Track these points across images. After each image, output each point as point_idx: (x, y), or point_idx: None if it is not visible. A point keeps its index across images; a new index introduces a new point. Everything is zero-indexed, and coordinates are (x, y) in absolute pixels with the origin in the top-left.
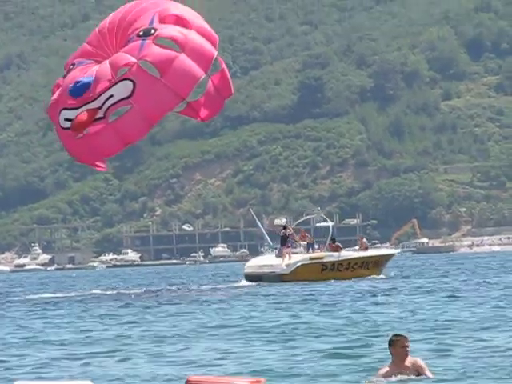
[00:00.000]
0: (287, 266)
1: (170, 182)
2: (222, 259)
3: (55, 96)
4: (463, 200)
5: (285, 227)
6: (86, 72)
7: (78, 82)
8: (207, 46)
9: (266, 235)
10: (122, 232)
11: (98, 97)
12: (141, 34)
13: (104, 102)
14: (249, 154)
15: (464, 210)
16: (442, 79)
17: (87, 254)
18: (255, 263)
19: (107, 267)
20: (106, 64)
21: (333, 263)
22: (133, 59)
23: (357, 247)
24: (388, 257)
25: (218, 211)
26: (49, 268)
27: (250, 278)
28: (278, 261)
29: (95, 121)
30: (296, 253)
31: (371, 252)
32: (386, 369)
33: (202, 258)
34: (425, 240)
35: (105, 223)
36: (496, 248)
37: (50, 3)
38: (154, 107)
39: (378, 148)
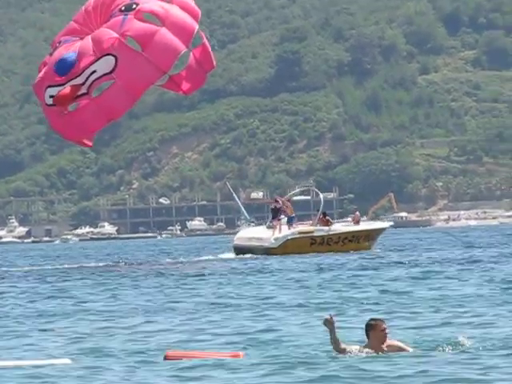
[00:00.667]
0: (275, 239)
1: (147, 156)
2: (198, 232)
3: (41, 74)
4: (440, 174)
5: (276, 200)
6: (69, 49)
7: (63, 59)
8: (188, 20)
9: (243, 209)
10: (99, 205)
11: (82, 72)
12: (123, 9)
13: (87, 78)
14: (226, 128)
15: (441, 184)
16: (419, 53)
17: (64, 226)
18: (244, 235)
19: (80, 240)
20: (89, 39)
21: (322, 237)
22: (115, 35)
23: (349, 219)
24: (379, 231)
25: (195, 185)
26: (25, 240)
27: (238, 250)
28: (267, 233)
29: (79, 96)
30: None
31: (362, 226)
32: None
33: (178, 232)
34: (403, 214)
35: (81, 196)
36: (472, 222)
37: None
38: (136, 81)
39: (355, 122)
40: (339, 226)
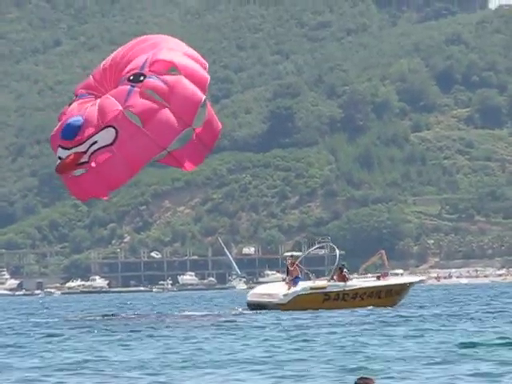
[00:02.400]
0: (285, 295)
1: (139, 209)
2: (189, 287)
3: (56, 128)
4: (431, 232)
5: (292, 256)
6: (80, 110)
7: (69, 123)
8: (193, 95)
9: (234, 264)
10: (91, 258)
11: (85, 141)
12: (131, 78)
13: (89, 148)
14: (218, 183)
15: (432, 241)
16: (411, 111)
17: (55, 279)
18: (258, 291)
19: (68, 293)
20: (96, 107)
21: (337, 293)
22: (118, 107)
23: (370, 275)
24: (403, 286)
25: (187, 239)
26: (17, 293)
27: (251, 306)
28: (279, 289)
29: (80, 164)
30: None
31: (383, 281)
32: None
33: (169, 286)
34: (399, 271)
35: (73, 249)
36: (464, 280)
37: (22, 28)
38: (135, 156)
39: (347, 178)
40: (358, 282)
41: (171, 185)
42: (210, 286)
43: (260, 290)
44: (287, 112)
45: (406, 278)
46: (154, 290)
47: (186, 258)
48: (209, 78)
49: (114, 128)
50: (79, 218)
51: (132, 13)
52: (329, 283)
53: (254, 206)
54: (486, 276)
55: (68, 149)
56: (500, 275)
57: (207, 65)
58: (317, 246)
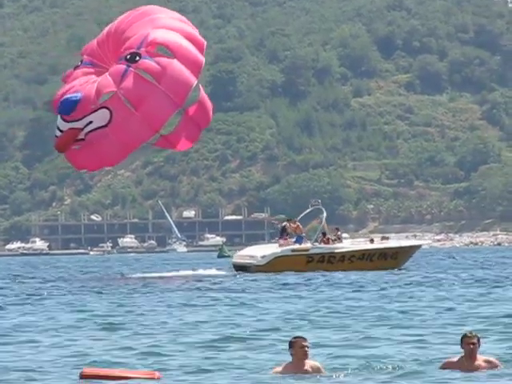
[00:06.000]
0: (263, 257)
1: (80, 172)
2: (129, 250)
3: (60, 91)
4: (371, 197)
5: (289, 220)
6: (81, 84)
7: (67, 98)
8: (184, 76)
9: (174, 227)
10: (31, 220)
11: (82, 118)
12: (128, 57)
13: (85, 126)
14: None
15: (371, 206)
16: (352, 76)
17: None
18: (243, 253)
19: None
20: (94, 86)
21: (322, 255)
22: (113, 88)
23: (362, 239)
24: (399, 249)
25: (127, 202)
26: None
27: (235, 267)
28: (262, 251)
29: (77, 141)
30: None
31: (375, 244)
32: (281, 368)
33: (109, 249)
34: (345, 235)
35: (13, 211)
36: None
37: None
38: (128, 138)
39: (287, 143)
40: (347, 244)
41: None
42: (149, 249)
43: (245, 251)
44: (228, 76)
45: (403, 242)
46: (91, 252)
47: (126, 220)
48: (203, 60)
49: (109, 110)
50: (20, 181)
51: None
52: (312, 246)
53: (194, 169)
54: (424, 241)
55: (66, 122)
56: (438, 240)
57: (205, 44)
58: (310, 208)
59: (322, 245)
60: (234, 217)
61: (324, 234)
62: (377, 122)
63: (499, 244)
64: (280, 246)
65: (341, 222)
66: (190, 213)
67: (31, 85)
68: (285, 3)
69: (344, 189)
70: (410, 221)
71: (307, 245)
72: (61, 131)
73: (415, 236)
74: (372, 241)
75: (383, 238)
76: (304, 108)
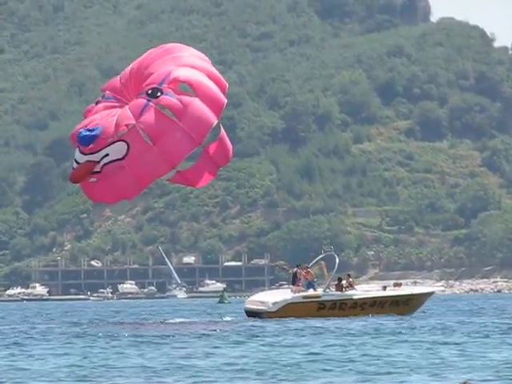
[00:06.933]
0: (274, 303)
1: (80, 218)
2: (129, 296)
3: (79, 125)
4: (371, 243)
5: (298, 266)
6: (102, 117)
7: (86, 132)
8: (205, 115)
9: (174, 273)
10: (31, 266)
11: (99, 151)
12: (149, 92)
13: (101, 158)
14: (159, 192)
15: (372, 253)
16: (353, 122)
17: None
18: (255, 298)
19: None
20: (114, 119)
21: (334, 302)
22: (132, 121)
23: (375, 285)
24: (408, 296)
25: (127, 248)
26: None
27: (247, 313)
28: (274, 297)
29: (93, 173)
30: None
31: (388, 292)
32: None
33: (109, 295)
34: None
35: (13, 257)
36: None
37: None
38: (143, 172)
39: (288, 189)
40: (359, 291)
41: None
42: (149, 295)
43: (256, 297)
44: (229, 122)
45: (416, 289)
46: (91, 298)
47: (126, 266)
48: (225, 101)
49: (126, 143)
50: (20, 226)
51: (75, 22)
52: (324, 292)
53: (194, 215)
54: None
55: (84, 154)
56: (438, 287)
57: (227, 86)
58: (323, 254)
59: (334, 291)
60: (234, 263)
61: (340, 280)
62: (377, 169)
63: (499, 291)
64: (293, 292)
65: (341, 268)
66: (190, 259)
67: (32, 130)
68: (285, 49)
69: (344, 235)
70: (411, 267)
71: (318, 291)
72: (78, 163)
73: (415, 283)
74: (385, 288)
75: (396, 285)
76: (304, 154)
